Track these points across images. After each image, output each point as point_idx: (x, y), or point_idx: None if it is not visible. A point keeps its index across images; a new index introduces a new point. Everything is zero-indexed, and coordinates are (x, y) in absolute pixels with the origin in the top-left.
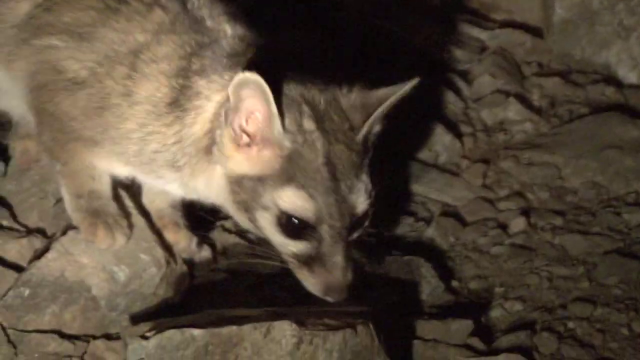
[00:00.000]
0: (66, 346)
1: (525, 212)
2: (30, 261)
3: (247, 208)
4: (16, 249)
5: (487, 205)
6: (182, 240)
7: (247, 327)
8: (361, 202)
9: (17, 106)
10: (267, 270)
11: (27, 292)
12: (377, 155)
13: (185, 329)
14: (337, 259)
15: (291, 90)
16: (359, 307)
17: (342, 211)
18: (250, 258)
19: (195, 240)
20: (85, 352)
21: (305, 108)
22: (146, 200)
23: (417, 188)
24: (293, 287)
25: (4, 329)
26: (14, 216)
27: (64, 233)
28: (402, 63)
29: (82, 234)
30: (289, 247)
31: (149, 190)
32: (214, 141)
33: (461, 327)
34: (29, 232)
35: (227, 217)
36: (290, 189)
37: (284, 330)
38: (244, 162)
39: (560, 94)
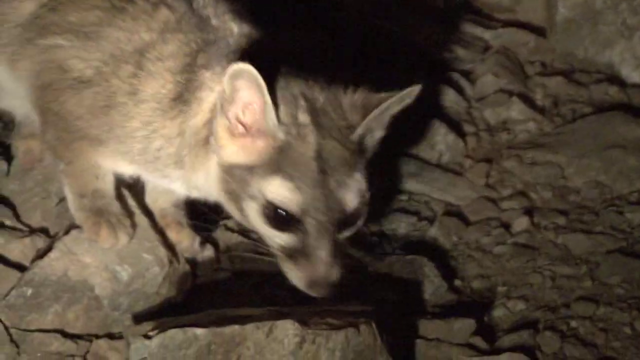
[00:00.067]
0: (69, 345)
1: (528, 212)
2: (33, 261)
3: (236, 198)
4: (19, 249)
5: (490, 204)
6: (185, 240)
7: (249, 327)
8: (351, 199)
9: (21, 106)
10: (269, 270)
11: (29, 291)
12: (380, 155)
13: (187, 329)
14: (322, 253)
15: (290, 84)
16: (362, 306)
17: (329, 206)
18: (252, 258)
19: (198, 239)
20: (87, 352)
21: (302, 102)
22: (149, 199)
23: (420, 187)
24: (295, 287)
25: (6, 328)
26: (17, 216)
27: (66, 232)
28: (404, 63)
29: (85, 233)
30: (276, 239)
31: (152, 189)
32: (211, 132)
33: (464, 327)
34: (32, 231)
35: (229, 217)
36: (278, 179)
37: (287, 330)
38: (237, 152)
39: (563, 94)
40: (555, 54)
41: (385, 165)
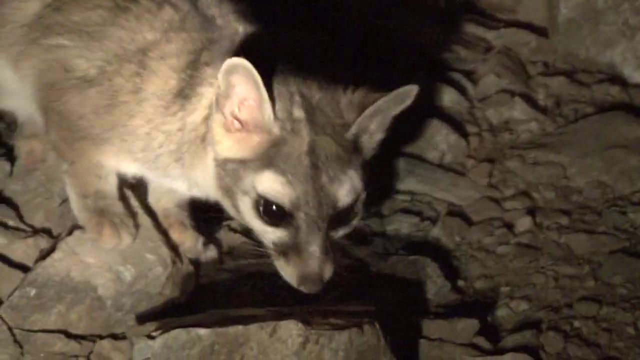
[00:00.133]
0: (72, 346)
1: (531, 212)
2: (36, 261)
3: (230, 193)
4: (22, 249)
5: (493, 204)
6: (188, 240)
7: (253, 327)
8: (343, 194)
9: (24, 106)
10: (272, 270)
11: (33, 292)
12: (382, 156)
13: (191, 329)
14: (313, 248)
15: (287, 81)
16: (365, 306)
17: (320, 201)
18: (255, 258)
19: (201, 240)
20: (91, 352)
21: (298, 98)
22: (152, 199)
23: (422, 187)
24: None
25: (10, 329)
26: (20, 216)
27: (69, 233)
28: (404, 63)
29: (88, 233)
30: (268, 234)
31: (155, 189)
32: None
33: (467, 327)
34: (35, 232)
35: (232, 217)
36: (269, 173)
37: (290, 330)
38: (231, 147)
39: (565, 94)
40: (557, 54)
41: (387, 166)
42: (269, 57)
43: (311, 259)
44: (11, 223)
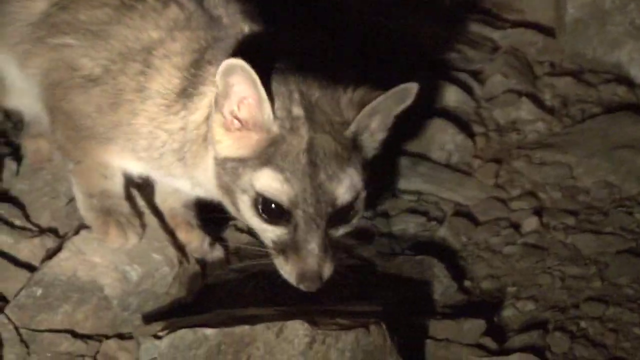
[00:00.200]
0: (79, 345)
1: (538, 212)
2: (43, 261)
3: (230, 192)
4: (28, 249)
5: (500, 204)
6: (195, 240)
7: (259, 327)
8: (342, 192)
9: (31, 105)
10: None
11: (39, 291)
12: (389, 155)
13: (197, 329)
14: (312, 246)
15: (286, 80)
16: (372, 306)
17: (319, 198)
18: (257, 258)
19: (207, 239)
20: (97, 352)
21: (297, 96)
22: (159, 199)
23: (429, 188)
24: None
25: (16, 328)
26: (26, 216)
27: (76, 232)
28: (408, 63)
29: (95, 233)
30: (267, 232)
31: (162, 189)
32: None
33: (474, 327)
34: (41, 231)
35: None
36: (268, 170)
37: (297, 330)
38: (231, 145)
39: (572, 94)
40: (564, 54)
41: (394, 166)
42: (269, 56)
43: (310, 257)
44: (17, 222)
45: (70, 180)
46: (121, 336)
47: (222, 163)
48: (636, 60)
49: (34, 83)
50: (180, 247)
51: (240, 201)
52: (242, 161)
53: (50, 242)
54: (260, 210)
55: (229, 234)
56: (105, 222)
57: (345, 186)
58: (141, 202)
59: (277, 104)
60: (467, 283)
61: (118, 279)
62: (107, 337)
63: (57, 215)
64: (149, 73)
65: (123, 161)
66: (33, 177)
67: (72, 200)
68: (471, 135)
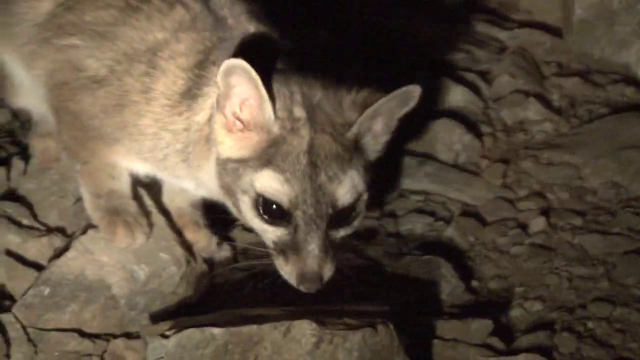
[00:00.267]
0: (86, 345)
1: (545, 212)
2: (50, 260)
3: (231, 193)
4: (36, 248)
5: (507, 205)
6: (202, 239)
7: (266, 327)
8: (342, 194)
9: (38, 104)
10: None
11: (47, 290)
12: (396, 156)
13: (205, 328)
14: (312, 247)
15: (288, 80)
16: (379, 306)
17: (319, 199)
18: (258, 258)
19: (215, 239)
20: (105, 351)
21: (298, 97)
22: (166, 199)
23: (436, 188)
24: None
25: (24, 327)
26: (34, 215)
27: (83, 232)
28: (411, 63)
29: (102, 233)
30: (267, 233)
31: (169, 189)
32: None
33: (481, 327)
34: (49, 230)
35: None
36: (268, 171)
37: (304, 330)
38: (232, 146)
39: (579, 94)
40: (571, 55)
41: (401, 166)
42: (272, 57)
43: (310, 258)
44: (25, 222)
45: (77, 180)
46: (128, 335)
47: (223, 164)
48: None
49: (40, 84)
50: (187, 247)
51: (241, 202)
52: (243, 162)
53: (57, 241)
54: (261, 211)
55: (237, 234)
56: (113, 221)
57: (346, 188)
58: (148, 202)
59: (278, 105)
60: (474, 283)
61: (125, 278)
62: (115, 337)
63: (65, 215)
64: (154, 74)
65: (129, 162)
66: (41, 177)
67: (79, 199)
68: (479, 135)
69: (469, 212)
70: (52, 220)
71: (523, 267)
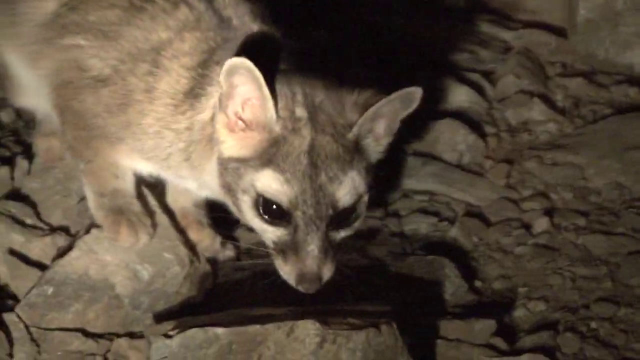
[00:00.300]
0: (89, 344)
1: (549, 213)
2: (54, 259)
3: (232, 192)
4: (40, 247)
5: (511, 205)
6: (206, 239)
7: (270, 326)
8: (342, 194)
9: (42, 104)
10: None
11: (50, 290)
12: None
13: (208, 328)
14: (311, 247)
15: (290, 81)
16: (382, 306)
17: (319, 200)
18: (257, 258)
19: (218, 239)
20: (108, 351)
21: (300, 97)
22: (170, 199)
23: (440, 188)
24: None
25: (27, 327)
26: (37, 214)
27: (87, 231)
28: (421, 63)
29: (106, 232)
30: (267, 233)
31: (173, 189)
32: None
33: (484, 327)
34: (53, 230)
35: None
36: (268, 171)
37: (308, 330)
38: (234, 146)
39: (584, 95)
40: (575, 55)
41: (405, 166)
42: (275, 57)
43: (309, 258)
44: (29, 221)
45: (81, 180)
46: (132, 335)
47: (224, 163)
48: None
49: (44, 83)
50: (191, 247)
51: (241, 201)
52: (244, 161)
53: (61, 240)
54: (261, 211)
55: (240, 234)
56: (117, 221)
57: (347, 188)
58: (152, 201)
59: (280, 104)
60: (478, 283)
61: (129, 277)
62: (118, 336)
63: (69, 214)
64: (158, 73)
65: (133, 161)
66: (45, 176)
67: (83, 198)
68: (483, 135)
69: (473, 213)
70: (56, 219)
71: (527, 268)
